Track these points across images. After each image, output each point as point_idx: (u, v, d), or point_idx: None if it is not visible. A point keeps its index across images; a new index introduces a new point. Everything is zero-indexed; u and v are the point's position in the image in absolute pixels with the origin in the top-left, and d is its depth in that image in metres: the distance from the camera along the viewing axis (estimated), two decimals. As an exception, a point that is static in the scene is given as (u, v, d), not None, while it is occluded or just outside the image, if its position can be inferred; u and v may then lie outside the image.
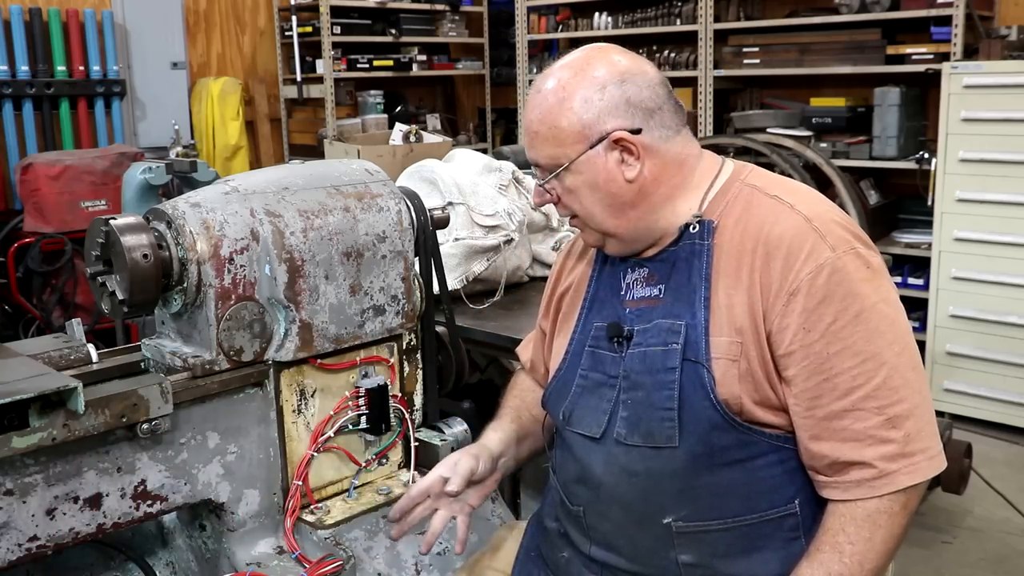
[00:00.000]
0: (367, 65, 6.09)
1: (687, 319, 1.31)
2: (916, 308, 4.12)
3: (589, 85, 1.34)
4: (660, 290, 1.37)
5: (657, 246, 1.40)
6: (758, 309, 1.27)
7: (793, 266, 1.25)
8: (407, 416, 1.82)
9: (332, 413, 1.70)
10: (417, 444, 1.82)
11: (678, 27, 5.20)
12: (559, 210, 1.45)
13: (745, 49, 4.96)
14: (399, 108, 6.30)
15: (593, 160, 1.34)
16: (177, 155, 4.20)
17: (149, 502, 1.51)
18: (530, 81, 6.06)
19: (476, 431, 1.92)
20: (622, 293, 1.43)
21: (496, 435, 1.60)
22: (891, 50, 4.43)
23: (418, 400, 1.88)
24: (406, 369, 1.84)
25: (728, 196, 1.37)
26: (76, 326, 1.65)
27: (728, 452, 1.28)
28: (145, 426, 1.43)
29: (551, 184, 1.40)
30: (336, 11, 5.88)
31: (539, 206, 1.49)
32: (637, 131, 1.33)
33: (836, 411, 1.24)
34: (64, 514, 1.41)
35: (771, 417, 1.28)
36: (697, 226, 1.35)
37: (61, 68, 4.89)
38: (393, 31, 6.21)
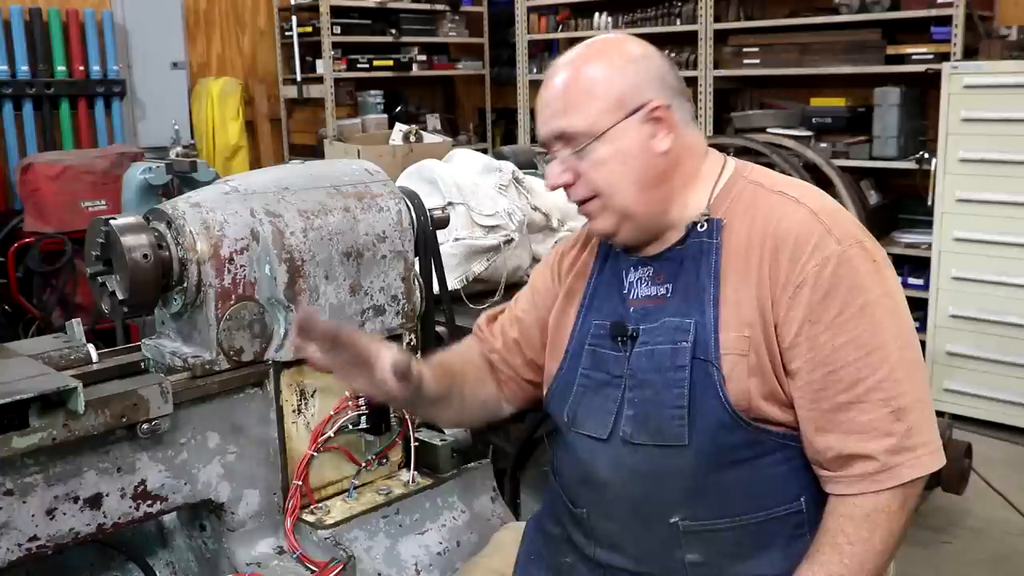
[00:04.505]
0: (367, 65, 6.09)
1: (696, 317, 1.31)
2: (916, 308, 4.10)
3: (626, 57, 1.35)
4: (667, 289, 1.37)
5: (661, 243, 1.39)
6: (767, 302, 1.27)
7: (800, 258, 1.26)
8: (407, 416, 1.82)
9: (332, 413, 1.70)
10: (417, 444, 1.82)
11: (678, 27, 5.20)
12: (573, 192, 1.38)
13: (745, 49, 4.96)
14: (399, 108, 6.30)
15: (628, 130, 1.33)
16: (177, 155, 4.19)
17: (149, 502, 1.51)
18: (531, 81, 6.06)
19: (476, 431, 1.92)
20: (624, 292, 1.42)
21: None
22: (891, 50, 4.43)
23: (418, 400, 1.87)
24: (406, 369, 1.83)
25: (732, 193, 1.37)
26: (76, 326, 1.65)
27: (736, 451, 1.28)
28: (145, 426, 1.43)
29: (575, 159, 1.34)
30: (336, 11, 5.88)
31: (554, 188, 1.40)
32: (668, 107, 1.34)
33: (841, 403, 1.24)
34: (64, 514, 1.41)
35: (778, 413, 1.28)
36: (705, 224, 1.35)
37: (61, 68, 4.89)
38: (393, 31, 6.21)
